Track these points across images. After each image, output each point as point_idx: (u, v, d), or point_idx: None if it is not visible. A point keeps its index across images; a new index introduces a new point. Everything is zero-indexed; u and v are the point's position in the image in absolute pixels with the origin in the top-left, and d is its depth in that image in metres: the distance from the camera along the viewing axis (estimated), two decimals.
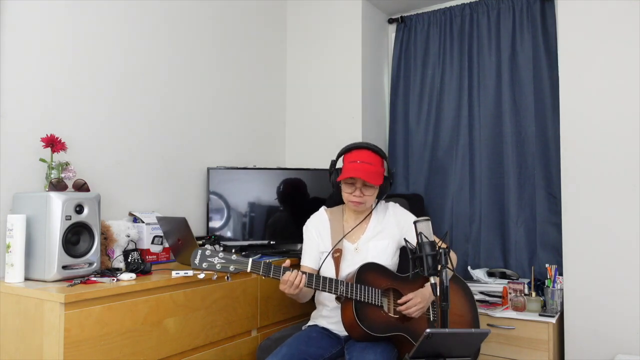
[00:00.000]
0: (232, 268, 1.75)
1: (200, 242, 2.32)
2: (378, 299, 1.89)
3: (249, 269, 1.77)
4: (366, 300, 1.86)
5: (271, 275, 1.80)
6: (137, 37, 2.43)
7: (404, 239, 1.77)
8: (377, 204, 2.16)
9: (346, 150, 2.07)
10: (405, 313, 1.88)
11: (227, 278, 1.77)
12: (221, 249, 2.43)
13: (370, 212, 2.14)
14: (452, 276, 1.97)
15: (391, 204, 2.19)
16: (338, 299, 1.94)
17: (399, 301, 1.91)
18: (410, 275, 1.62)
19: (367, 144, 2.05)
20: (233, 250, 1.79)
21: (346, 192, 2.05)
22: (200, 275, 1.74)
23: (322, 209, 2.22)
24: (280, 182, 2.81)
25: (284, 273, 1.81)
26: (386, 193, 2.09)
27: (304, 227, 2.18)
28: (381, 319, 1.89)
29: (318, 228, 2.14)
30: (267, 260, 1.83)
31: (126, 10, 2.38)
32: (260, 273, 1.79)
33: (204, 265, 1.73)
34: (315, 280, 1.84)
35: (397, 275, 2.04)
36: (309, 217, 2.22)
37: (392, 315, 1.93)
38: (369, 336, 1.85)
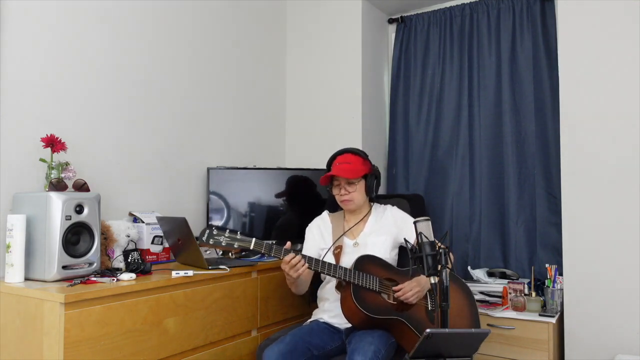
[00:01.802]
0: (236, 245, 1.86)
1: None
2: (376, 285, 1.96)
3: (252, 247, 1.87)
4: (364, 285, 1.93)
5: (272, 254, 1.90)
6: (136, 37, 2.43)
7: (404, 238, 1.79)
8: (373, 205, 2.28)
9: (332, 159, 2.24)
10: (402, 298, 1.94)
11: (231, 254, 1.89)
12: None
13: (369, 212, 2.24)
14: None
15: (389, 206, 2.29)
16: (338, 287, 2.01)
17: (395, 288, 1.97)
18: (410, 271, 1.65)
19: (347, 148, 2.23)
20: (239, 232, 1.88)
21: (336, 194, 2.20)
22: (207, 251, 1.84)
23: (325, 212, 2.34)
24: (287, 180, 2.82)
25: (285, 254, 1.90)
26: (374, 187, 2.20)
27: (307, 228, 2.30)
28: (379, 303, 1.96)
29: (320, 228, 2.26)
30: (271, 242, 1.92)
31: (126, 10, 2.38)
32: (262, 251, 1.88)
33: (211, 241, 1.84)
34: (315, 262, 1.93)
35: (395, 268, 2.11)
36: (314, 217, 2.34)
37: (391, 302, 1.98)
38: (368, 319, 1.90)
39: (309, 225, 2.30)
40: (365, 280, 1.94)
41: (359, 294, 1.92)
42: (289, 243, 1.96)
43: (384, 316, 1.92)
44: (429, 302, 2.03)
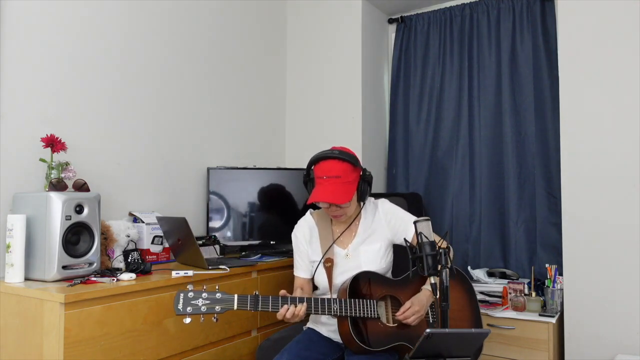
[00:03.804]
0: (218, 308, 1.66)
1: (200, 242, 2.32)
2: (374, 311, 1.83)
3: (235, 307, 1.68)
4: (362, 314, 1.80)
5: (260, 309, 1.71)
6: (137, 38, 2.43)
7: (404, 239, 1.75)
8: (363, 204, 2.05)
9: (314, 162, 1.97)
10: (403, 322, 1.83)
11: (215, 319, 1.67)
12: (219, 248, 2.44)
13: (359, 214, 2.05)
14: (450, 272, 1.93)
15: (380, 201, 2.09)
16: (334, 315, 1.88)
17: (397, 314, 1.85)
18: (410, 274, 1.60)
19: (332, 153, 1.91)
20: (217, 287, 1.70)
21: (324, 207, 1.98)
22: (187, 320, 1.63)
23: (309, 213, 2.13)
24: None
25: (282, 305, 1.74)
26: (367, 193, 1.99)
27: (292, 235, 2.10)
28: (379, 331, 1.83)
29: (306, 236, 2.06)
30: (255, 292, 1.73)
31: (126, 10, 2.38)
32: (248, 309, 1.70)
33: (189, 309, 1.63)
34: (307, 303, 1.77)
35: (392, 280, 1.97)
36: (296, 216, 2.17)
37: (391, 325, 1.87)
38: (368, 351, 1.80)
39: (294, 231, 2.09)
40: (362, 309, 1.80)
41: (356, 325, 1.79)
42: (283, 291, 1.78)
43: (385, 347, 1.81)
44: (430, 316, 1.93)
